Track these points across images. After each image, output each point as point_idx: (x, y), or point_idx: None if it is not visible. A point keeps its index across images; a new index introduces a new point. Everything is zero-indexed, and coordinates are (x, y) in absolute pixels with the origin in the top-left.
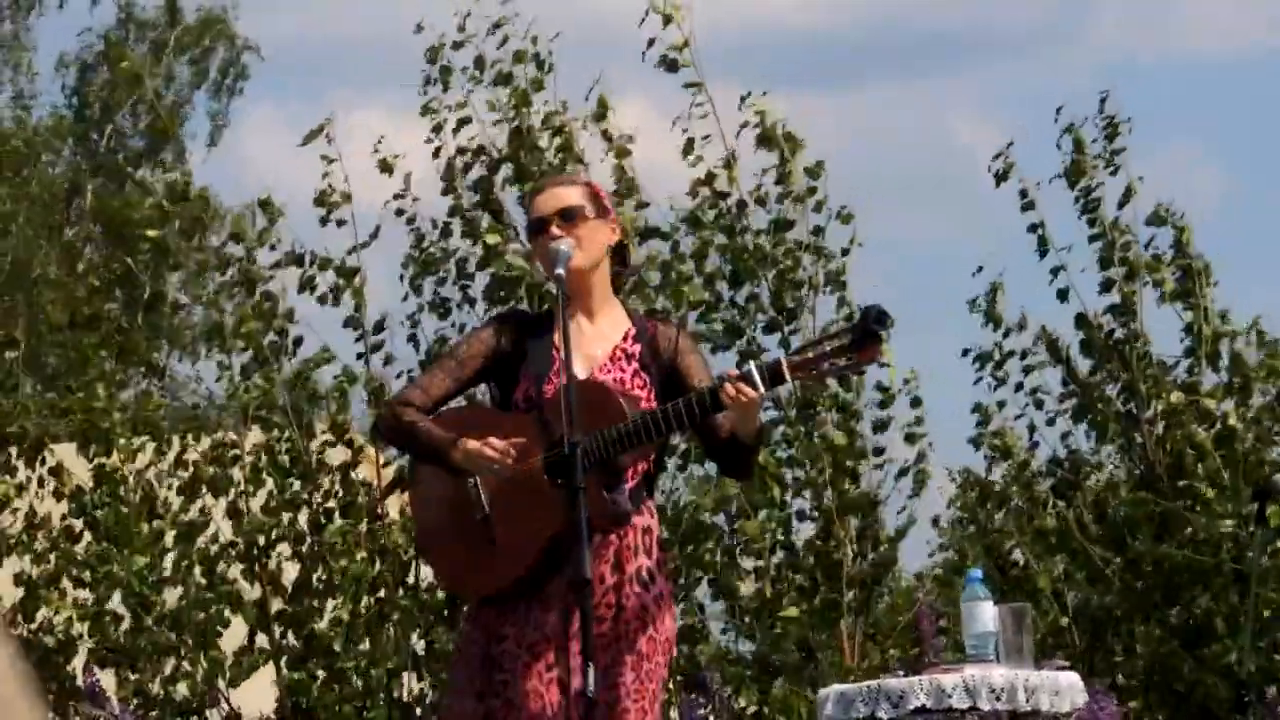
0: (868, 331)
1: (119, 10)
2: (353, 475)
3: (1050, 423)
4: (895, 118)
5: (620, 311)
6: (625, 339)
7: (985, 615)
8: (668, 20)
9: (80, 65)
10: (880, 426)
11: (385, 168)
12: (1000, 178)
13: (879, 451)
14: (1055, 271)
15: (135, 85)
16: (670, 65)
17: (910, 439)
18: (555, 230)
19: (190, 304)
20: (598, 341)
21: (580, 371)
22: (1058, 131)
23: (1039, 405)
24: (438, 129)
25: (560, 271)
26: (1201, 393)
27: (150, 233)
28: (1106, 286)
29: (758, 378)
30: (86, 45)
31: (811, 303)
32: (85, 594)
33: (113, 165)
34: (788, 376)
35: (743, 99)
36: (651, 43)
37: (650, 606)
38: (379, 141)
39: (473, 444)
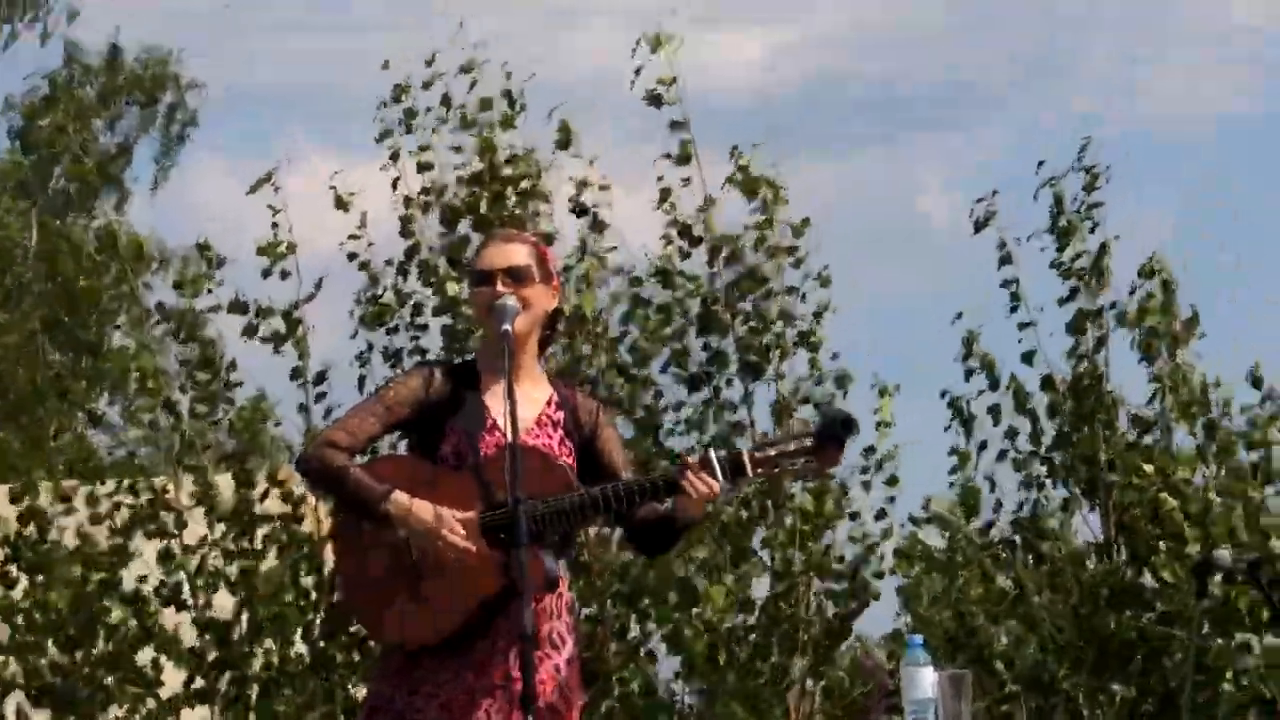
0: (832, 437)
1: (64, 53)
2: (294, 528)
3: (1024, 484)
4: (862, 177)
5: (543, 377)
6: (549, 405)
7: (925, 681)
8: (657, 46)
9: (27, 109)
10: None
11: (341, 204)
12: (980, 225)
13: (853, 516)
14: (1023, 327)
15: (80, 127)
16: (655, 100)
17: (881, 514)
18: (501, 287)
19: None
20: (525, 405)
21: (508, 431)
22: (1037, 184)
23: (1016, 467)
24: (395, 157)
25: (506, 328)
26: (1170, 460)
27: (82, 282)
28: (1077, 343)
29: (717, 469)
30: (32, 89)
31: (777, 365)
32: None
33: (55, 210)
34: (749, 471)
35: (733, 151)
36: (639, 71)
37: (566, 668)
38: (334, 175)
39: (421, 506)
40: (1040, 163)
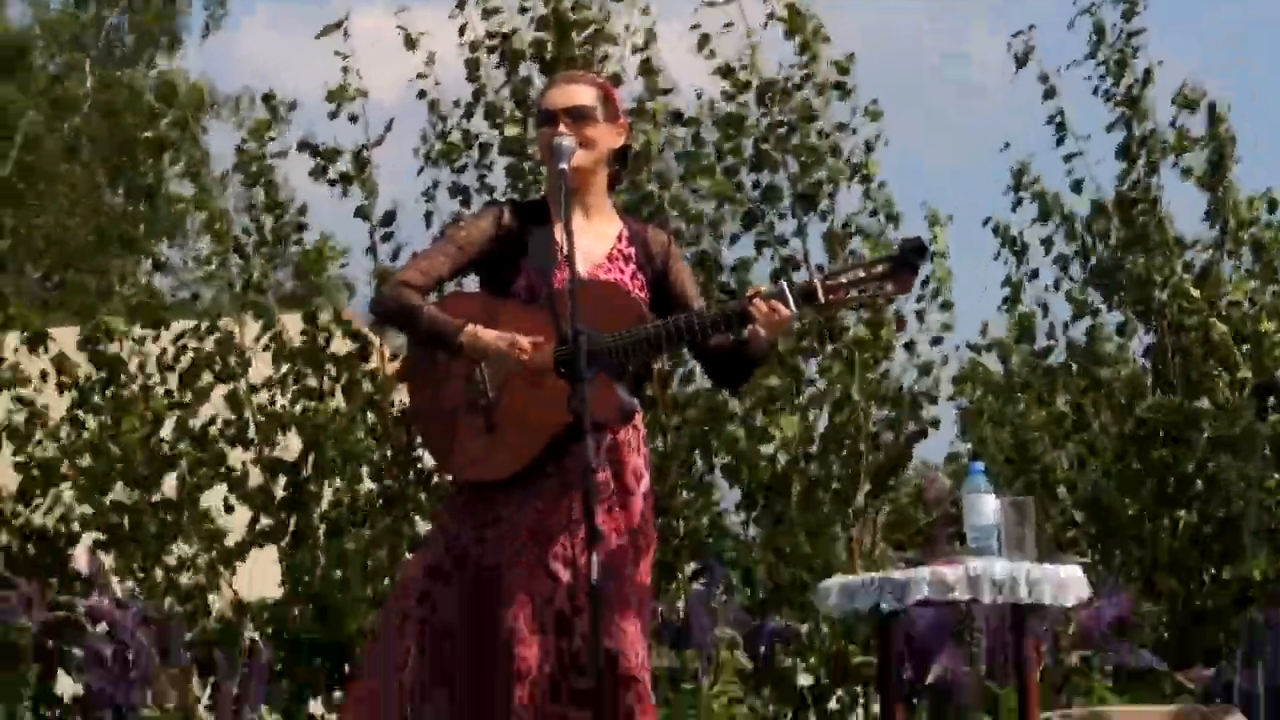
0: (905, 262)
1: None
2: (360, 366)
3: (1075, 312)
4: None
5: (613, 212)
6: (620, 240)
7: (986, 508)
8: None
9: None
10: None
11: (410, 43)
12: (1021, 61)
13: (908, 346)
14: (1069, 159)
15: None
16: None
17: (936, 341)
18: (563, 126)
19: (189, 200)
20: (595, 240)
21: (580, 268)
22: (1072, 14)
23: (1068, 298)
24: (461, 3)
25: (564, 166)
26: (1221, 282)
27: (146, 135)
28: (1125, 175)
29: (790, 297)
30: None
31: (832, 193)
32: (83, 478)
33: (109, 59)
34: (821, 297)
35: None
36: None
37: (643, 502)
38: (399, 13)
39: (491, 334)
40: None
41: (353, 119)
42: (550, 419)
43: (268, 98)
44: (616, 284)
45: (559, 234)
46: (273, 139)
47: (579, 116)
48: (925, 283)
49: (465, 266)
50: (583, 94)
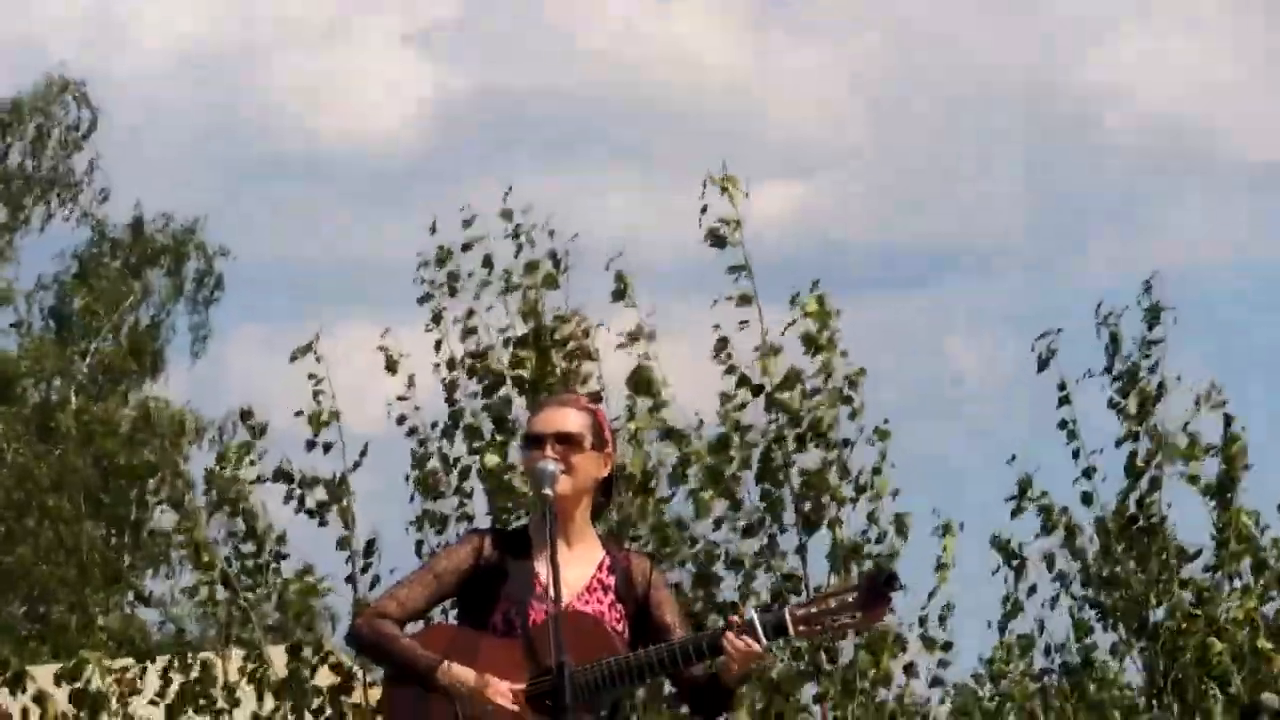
0: (876, 593)
1: (92, 231)
2: (342, 700)
3: (1075, 631)
4: (889, 333)
5: (595, 540)
6: (601, 569)
7: None
8: (724, 190)
9: (58, 287)
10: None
11: (391, 367)
12: (1044, 363)
13: (907, 669)
14: (1088, 475)
15: (113, 300)
16: (718, 240)
17: (936, 682)
18: (549, 451)
19: (169, 531)
20: (576, 569)
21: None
22: (1093, 323)
23: (1070, 616)
24: (437, 319)
25: (547, 491)
26: (1220, 599)
27: (121, 460)
28: (1131, 485)
29: (760, 630)
30: (64, 267)
31: (835, 513)
32: None
33: (92, 387)
34: (792, 631)
35: (793, 299)
36: (705, 210)
37: None
38: (384, 335)
39: (467, 672)
40: (1099, 303)
41: (327, 448)
42: None
43: (245, 415)
44: (592, 616)
45: (539, 566)
46: (253, 463)
47: (566, 442)
48: (932, 595)
49: (443, 595)
50: (571, 419)
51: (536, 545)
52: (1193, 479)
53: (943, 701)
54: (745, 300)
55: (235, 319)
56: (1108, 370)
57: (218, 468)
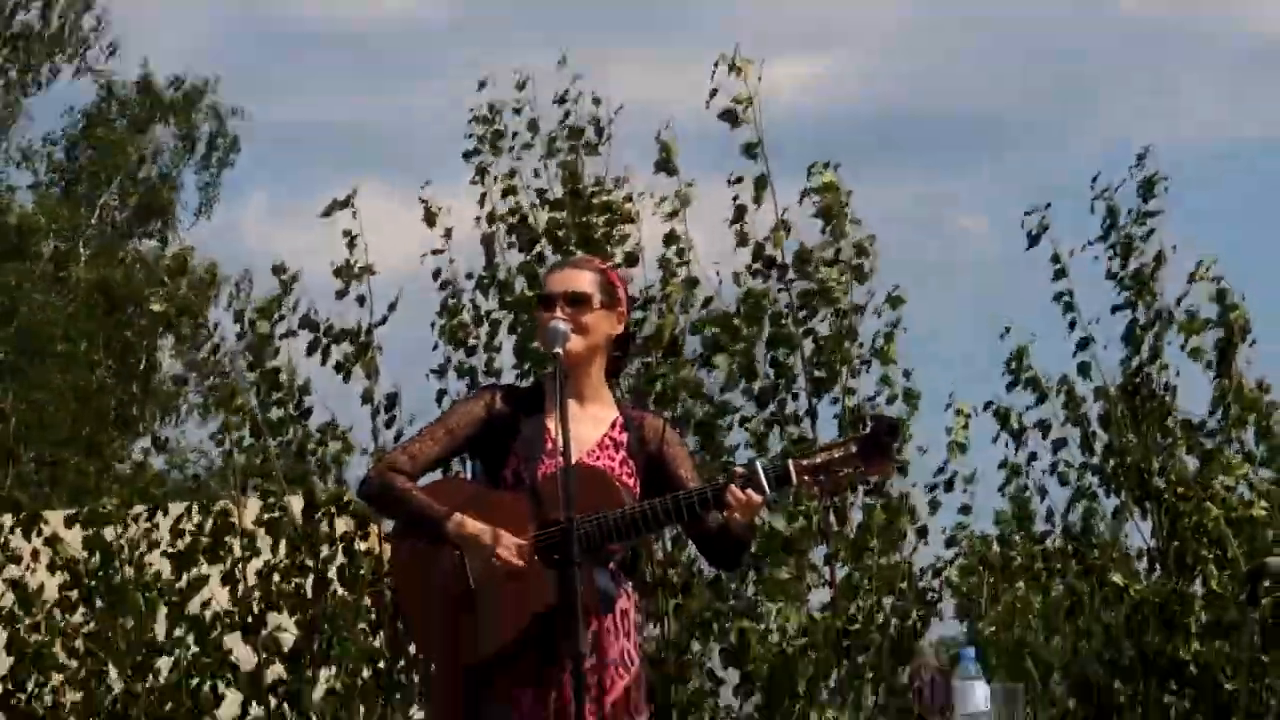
0: (879, 444)
1: (99, 89)
2: (357, 546)
3: (1072, 499)
4: (897, 204)
5: (610, 399)
6: (614, 427)
7: (977, 695)
8: (734, 69)
9: (66, 143)
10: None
11: (430, 219)
12: (1034, 238)
13: (921, 533)
14: (1085, 344)
15: (119, 158)
16: (732, 118)
17: (950, 542)
18: (559, 311)
19: (188, 376)
20: (587, 426)
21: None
22: (1089, 198)
23: (1063, 481)
24: (481, 174)
25: (557, 350)
26: (1223, 463)
27: (155, 307)
28: (1132, 353)
29: (764, 480)
30: (71, 123)
31: (845, 380)
32: (77, 664)
33: (102, 238)
34: (795, 480)
35: (810, 169)
36: (714, 93)
37: (632, 690)
38: (425, 187)
39: (476, 525)
40: (1095, 176)
41: (361, 300)
42: (529, 604)
43: (277, 270)
44: (600, 470)
45: (550, 421)
46: (281, 316)
47: (576, 302)
48: (941, 470)
49: (456, 449)
50: (582, 279)
51: (549, 402)
52: (1194, 352)
53: (954, 561)
54: (760, 181)
55: (249, 180)
56: (1103, 239)
57: (255, 317)
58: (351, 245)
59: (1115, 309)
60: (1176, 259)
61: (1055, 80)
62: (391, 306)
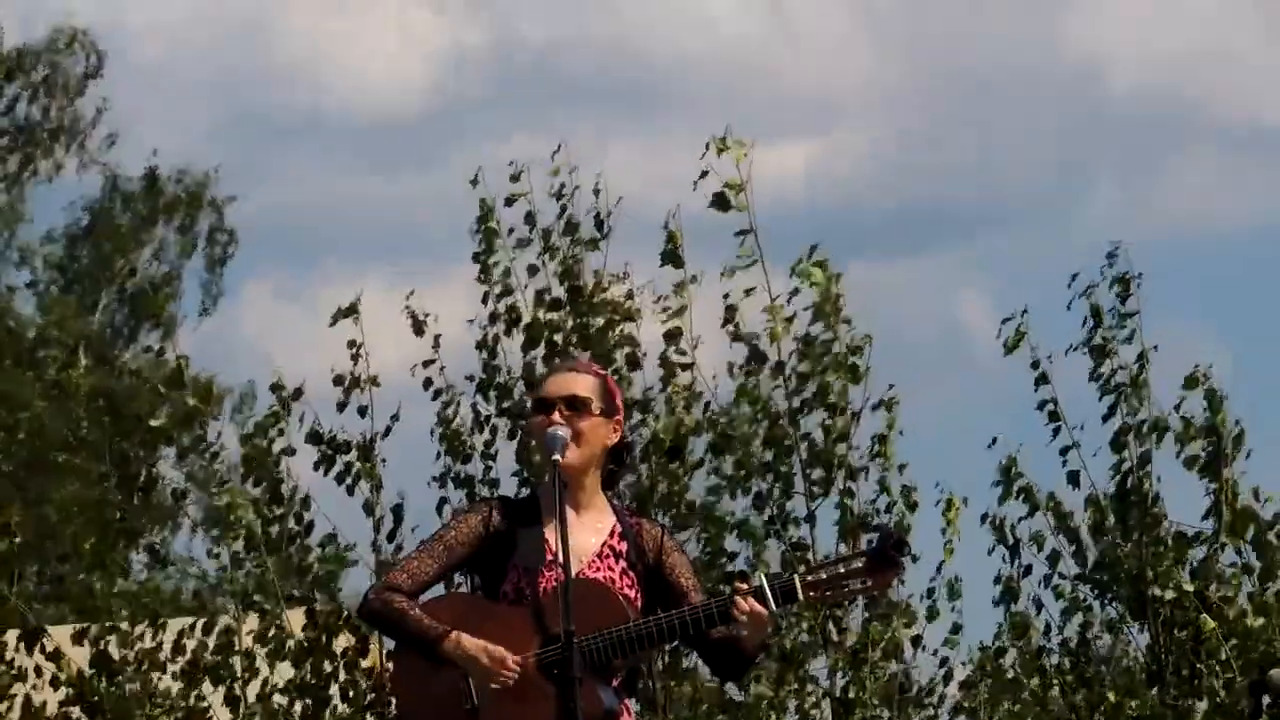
0: (885, 556)
1: (104, 182)
2: (358, 663)
3: (1065, 611)
4: (896, 292)
5: (607, 507)
6: (612, 535)
7: None
8: (723, 150)
9: (68, 239)
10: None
11: (418, 329)
12: (1010, 347)
13: (915, 641)
14: (1065, 452)
15: (121, 256)
16: (722, 204)
17: (943, 663)
18: (558, 416)
19: (188, 489)
20: (586, 535)
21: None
22: (1069, 297)
23: (1057, 594)
24: (485, 272)
25: (556, 457)
26: (1217, 574)
27: (153, 423)
28: (1118, 466)
29: (769, 595)
30: (73, 219)
31: (844, 484)
32: None
33: (101, 343)
34: (801, 596)
35: (794, 268)
36: (704, 174)
37: None
38: (409, 296)
39: (474, 643)
40: (1074, 275)
41: (362, 411)
42: None
43: (276, 387)
44: (601, 584)
45: (549, 532)
46: (280, 432)
47: (575, 408)
48: (939, 570)
49: (454, 567)
50: (581, 384)
51: (546, 512)
52: (1190, 461)
53: (947, 680)
54: (752, 263)
55: (248, 272)
56: (1086, 342)
57: (253, 437)
58: (355, 357)
59: (1105, 417)
60: (1162, 358)
61: (1057, 164)
62: (394, 418)
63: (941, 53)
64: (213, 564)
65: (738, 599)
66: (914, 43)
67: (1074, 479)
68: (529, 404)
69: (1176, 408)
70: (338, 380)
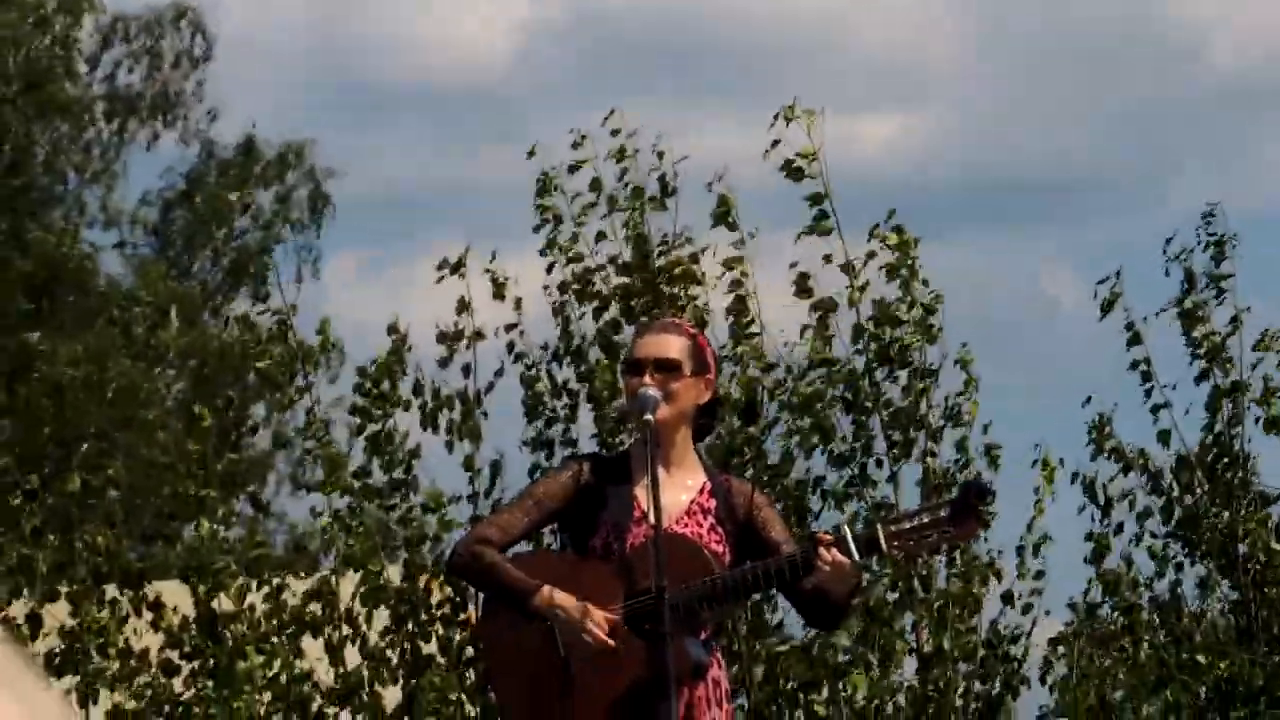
0: (968, 506)
1: (200, 150)
2: (458, 616)
3: (1159, 573)
4: (982, 266)
5: (698, 465)
6: (702, 493)
7: None
8: (789, 119)
9: (163, 203)
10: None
11: (499, 292)
12: (1107, 307)
13: (1005, 599)
14: (1157, 410)
15: (218, 219)
16: (795, 173)
17: (1026, 609)
18: (649, 378)
19: (289, 438)
20: (675, 493)
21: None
22: (1163, 263)
23: (1151, 554)
24: (551, 244)
25: (649, 417)
26: None
27: (260, 364)
28: (1210, 426)
29: (853, 546)
30: (169, 184)
31: (925, 444)
32: None
33: (193, 305)
34: (884, 545)
35: (872, 231)
36: (776, 143)
37: None
38: (492, 261)
39: (566, 599)
40: (1168, 239)
41: (466, 370)
42: (624, 675)
43: (392, 330)
44: (689, 538)
45: (639, 490)
46: (393, 383)
47: (666, 369)
48: (1029, 529)
49: (544, 520)
50: (671, 345)
51: (636, 470)
52: (1270, 423)
53: (1033, 628)
54: (826, 231)
55: (334, 245)
56: (1179, 305)
57: (366, 385)
58: (462, 310)
59: (1198, 379)
60: (1253, 321)
61: (1141, 141)
62: (498, 374)
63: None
64: (305, 519)
65: (820, 550)
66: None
67: (1164, 438)
68: (622, 365)
69: (1254, 366)
70: (441, 337)
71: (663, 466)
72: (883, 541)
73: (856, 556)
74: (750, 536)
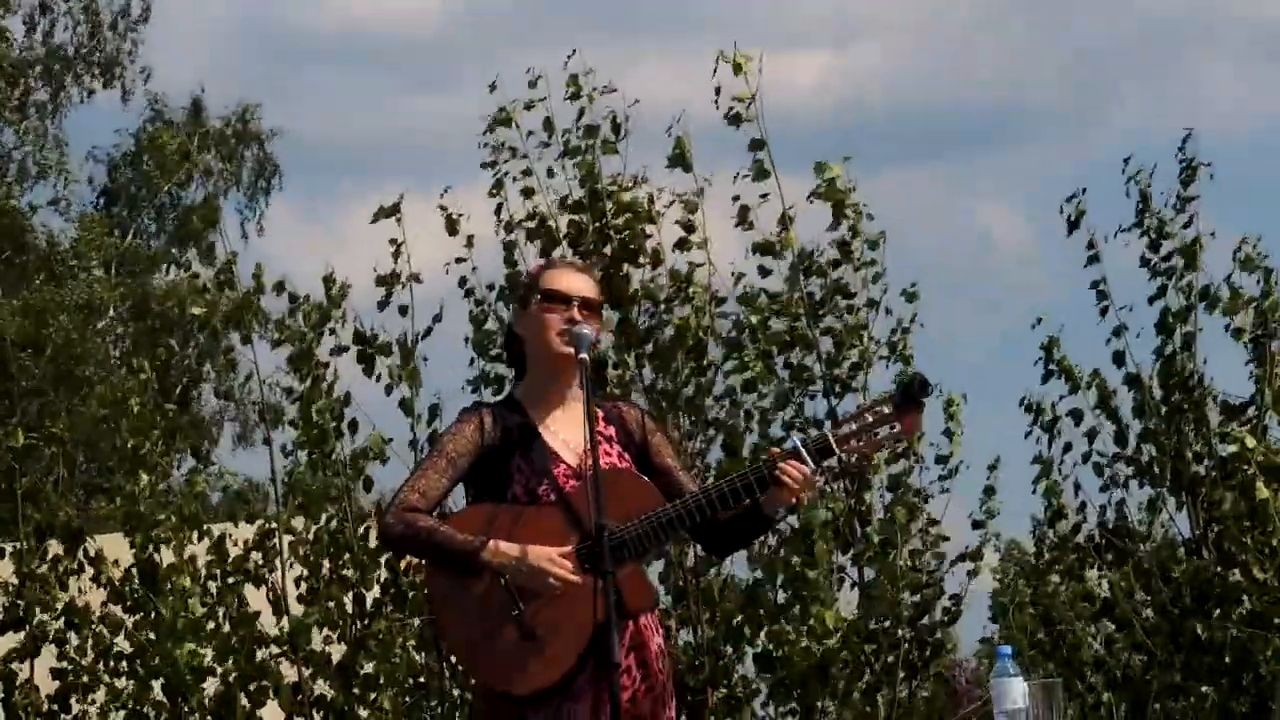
0: (909, 398)
1: (149, 106)
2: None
3: (1104, 488)
4: (914, 200)
5: (580, 397)
6: (600, 422)
7: (1015, 692)
8: (738, 69)
9: (110, 162)
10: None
11: (452, 228)
12: (1073, 223)
13: (933, 523)
14: (1117, 332)
15: (166, 175)
16: (735, 119)
17: (978, 524)
18: (578, 314)
19: (231, 389)
20: (578, 428)
21: (570, 458)
22: (1124, 179)
23: (1098, 471)
24: (499, 184)
25: (584, 356)
26: (1258, 451)
27: (196, 310)
28: (1165, 341)
29: (806, 455)
30: (116, 144)
31: (865, 378)
32: (123, 683)
33: (134, 259)
34: (836, 449)
35: (818, 166)
36: (719, 91)
37: (668, 684)
38: (443, 195)
39: (513, 547)
40: (1126, 159)
41: (403, 310)
42: (588, 619)
43: (328, 280)
44: (624, 470)
45: (544, 431)
46: (332, 330)
47: (591, 308)
48: (945, 460)
49: (460, 478)
50: (594, 286)
51: (533, 410)
52: (1237, 332)
53: (979, 554)
54: (764, 174)
55: (277, 199)
56: (1138, 226)
57: (304, 331)
58: (397, 254)
59: (1152, 299)
60: (1214, 246)
61: (1073, 72)
62: (436, 318)
63: None
64: (249, 469)
65: (779, 461)
66: None
67: (1118, 359)
68: (539, 296)
69: (1227, 278)
70: (379, 280)
71: (559, 404)
72: (834, 444)
73: (811, 465)
74: (645, 460)
